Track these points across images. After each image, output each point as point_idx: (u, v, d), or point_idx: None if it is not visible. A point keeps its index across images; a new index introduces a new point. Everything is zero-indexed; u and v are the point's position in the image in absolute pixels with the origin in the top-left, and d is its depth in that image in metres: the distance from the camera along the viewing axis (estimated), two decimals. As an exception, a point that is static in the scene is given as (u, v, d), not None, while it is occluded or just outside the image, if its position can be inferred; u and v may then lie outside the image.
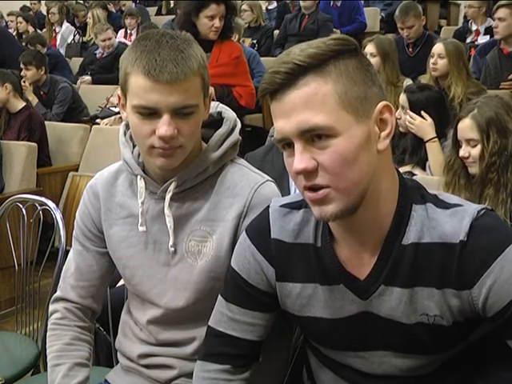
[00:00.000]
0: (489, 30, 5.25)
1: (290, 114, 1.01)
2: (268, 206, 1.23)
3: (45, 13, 8.37)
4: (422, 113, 2.91)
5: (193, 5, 3.43)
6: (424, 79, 3.77)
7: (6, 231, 2.19)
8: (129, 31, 7.15)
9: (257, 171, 1.42)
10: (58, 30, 7.73)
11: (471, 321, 1.10)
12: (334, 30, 6.07)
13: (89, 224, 1.46)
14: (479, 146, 2.15)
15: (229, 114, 1.44)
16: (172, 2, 8.28)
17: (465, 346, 1.15)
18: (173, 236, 1.36)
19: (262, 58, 5.41)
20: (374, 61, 3.85)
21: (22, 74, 4.90)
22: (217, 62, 3.51)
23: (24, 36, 7.34)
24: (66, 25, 7.73)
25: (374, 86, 1.05)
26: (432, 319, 1.09)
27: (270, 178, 1.40)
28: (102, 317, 1.63)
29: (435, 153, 2.88)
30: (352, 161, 1.01)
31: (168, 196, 1.35)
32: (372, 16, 6.76)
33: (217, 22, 3.43)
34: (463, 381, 1.18)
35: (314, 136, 1.01)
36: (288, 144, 1.05)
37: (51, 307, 1.51)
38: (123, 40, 7.00)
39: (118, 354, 1.54)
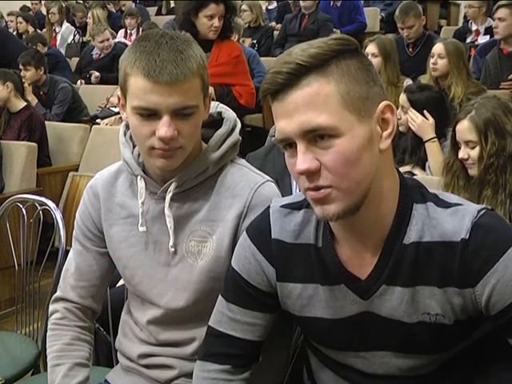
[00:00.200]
0: (489, 30, 5.25)
1: (293, 114, 1.01)
2: (268, 207, 1.23)
3: (45, 13, 8.38)
4: (425, 112, 2.91)
5: (192, 4, 3.43)
6: (424, 79, 3.77)
7: (6, 231, 2.19)
8: (129, 31, 7.15)
9: (257, 171, 1.42)
10: (58, 30, 7.73)
11: (473, 319, 1.10)
12: (334, 30, 6.07)
13: (89, 224, 1.46)
14: (478, 148, 2.16)
15: (229, 114, 1.44)
16: (172, 2, 8.27)
17: (465, 345, 1.15)
18: (173, 236, 1.36)
19: (261, 58, 5.41)
20: (376, 61, 3.85)
21: (21, 74, 4.89)
22: (216, 62, 3.51)
23: (24, 36, 7.34)
24: (65, 25, 7.73)
25: (375, 86, 1.05)
26: (434, 318, 1.09)
27: (270, 178, 1.40)
28: (102, 317, 1.63)
29: (434, 153, 2.88)
30: (355, 161, 1.01)
31: (168, 196, 1.35)
32: (372, 16, 6.77)
33: (216, 22, 3.43)
34: (463, 381, 1.18)
35: (316, 136, 1.01)
36: (290, 144, 1.04)
37: (51, 307, 1.51)
38: (123, 40, 7.00)
39: (118, 353, 1.54)
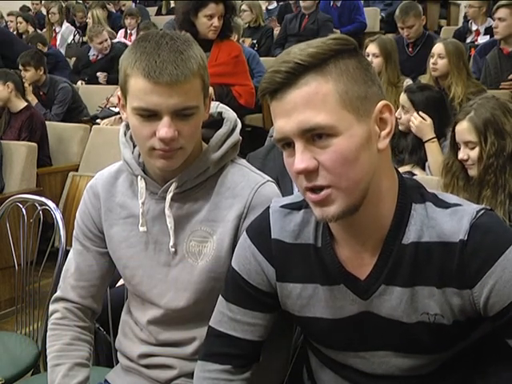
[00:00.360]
0: (489, 30, 5.25)
1: (291, 113, 1.01)
2: (268, 207, 1.23)
3: (45, 13, 8.38)
4: (420, 113, 2.92)
5: (191, 4, 3.43)
6: (424, 79, 3.78)
7: (6, 231, 2.19)
8: (129, 31, 7.15)
9: (257, 171, 1.42)
10: (57, 30, 7.73)
11: (472, 320, 1.10)
12: (334, 30, 6.07)
13: (89, 224, 1.46)
14: (477, 148, 2.16)
15: (229, 114, 1.44)
16: (172, 2, 8.27)
17: (465, 345, 1.15)
18: (173, 236, 1.36)
19: (261, 58, 5.41)
20: (377, 61, 3.85)
21: (21, 74, 4.89)
22: (216, 61, 3.50)
23: (24, 36, 7.34)
24: (65, 25, 7.73)
25: (373, 86, 1.05)
26: (433, 318, 1.09)
27: (270, 179, 1.40)
28: (102, 317, 1.63)
29: (434, 153, 2.89)
30: (353, 160, 1.01)
31: (169, 196, 1.35)
32: (372, 16, 6.77)
33: (216, 22, 3.42)
34: (463, 381, 1.18)
35: (314, 135, 1.01)
36: (288, 144, 1.04)
37: (51, 307, 1.51)
38: (123, 40, 7.00)
39: (118, 353, 1.54)
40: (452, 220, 1.07)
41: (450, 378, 1.18)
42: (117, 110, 4.69)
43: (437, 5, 7.18)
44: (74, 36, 7.54)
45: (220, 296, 1.27)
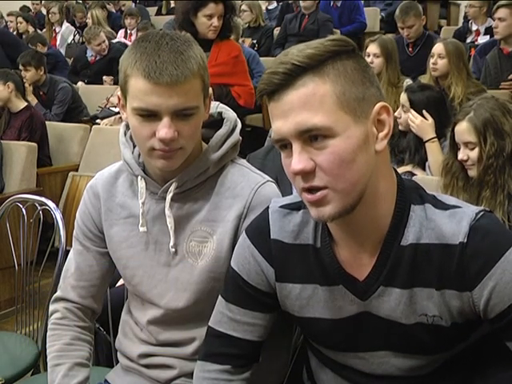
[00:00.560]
0: (489, 30, 5.25)
1: (288, 114, 1.01)
2: (268, 207, 1.23)
3: (45, 13, 8.38)
4: (424, 112, 2.91)
5: (191, 4, 3.43)
6: (424, 79, 3.77)
7: (6, 231, 2.19)
8: (129, 31, 7.15)
9: (257, 171, 1.42)
10: (57, 30, 7.73)
11: (470, 322, 1.10)
12: (334, 30, 6.08)
13: (89, 224, 1.46)
14: (477, 149, 2.16)
15: (229, 114, 1.44)
16: (172, 2, 8.27)
17: (464, 346, 1.15)
18: (173, 236, 1.36)
19: (261, 58, 5.41)
20: (378, 61, 3.85)
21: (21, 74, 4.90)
22: (215, 62, 3.50)
23: (24, 36, 7.34)
24: (65, 25, 7.73)
25: (371, 87, 1.05)
26: (431, 319, 1.09)
27: (270, 179, 1.40)
28: (102, 317, 1.63)
29: (435, 153, 2.89)
30: (350, 161, 1.01)
31: (169, 197, 1.35)
32: (372, 16, 6.77)
33: (215, 21, 3.42)
34: (463, 381, 1.18)
35: (311, 136, 1.01)
36: (285, 145, 1.05)
37: (51, 307, 1.51)
38: (123, 40, 7.00)
39: (118, 353, 1.54)
40: (451, 222, 1.07)
41: (449, 378, 1.18)
42: (117, 110, 4.70)
43: (437, 5, 7.18)
44: (74, 36, 7.55)
45: (219, 296, 1.27)
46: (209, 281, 1.36)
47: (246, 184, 1.36)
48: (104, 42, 5.99)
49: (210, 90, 1.36)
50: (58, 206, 2.41)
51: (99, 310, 1.52)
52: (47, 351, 1.47)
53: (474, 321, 1.09)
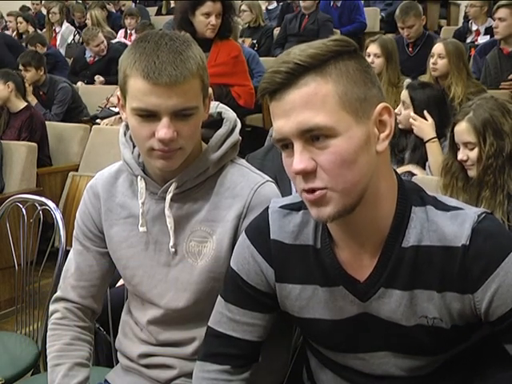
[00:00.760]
0: (489, 30, 5.25)
1: (290, 113, 1.01)
2: (267, 207, 1.23)
3: (45, 13, 8.37)
4: (425, 113, 2.92)
5: (189, 3, 3.43)
6: (424, 79, 3.76)
7: (6, 231, 2.19)
8: (129, 31, 7.15)
9: (257, 171, 1.42)
10: (58, 30, 7.73)
11: (470, 324, 1.10)
12: (334, 30, 6.07)
13: (89, 224, 1.46)
14: (477, 149, 2.16)
15: (229, 114, 1.44)
16: (172, 2, 8.27)
17: (464, 347, 1.15)
18: (173, 237, 1.36)
19: (261, 58, 5.41)
20: (379, 61, 3.85)
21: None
22: (215, 62, 3.50)
23: (24, 36, 7.34)
24: (65, 25, 7.73)
25: (373, 88, 1.05)
26: (431, 321, 1.09)
27: (269, 179, 1.40)
28: (102, 317, 1.63)
29: (435, 153, 2.89)
30: (351, 162, 1.01)
31: (168, 197, 1.35)
32: (372, 16, 6.77)
33: (213, 20, 3.42)
34: (462, 381, 1.18)
35: (313, 136, 1.01)
36: (286, 144, 1.04)
37: (51, 307, 1.51)
38: (123, 40, 7.00)
39: (118, 353, 1.54)
40: (453, 224, 1.07)
41: (449, 378, 1.18)
42: (117, 110, 4.69)
43: (437, 5, 7.18)
44: (74, 36, 7.54)
45: (219, 296, 1.27)
46: (208, 281, 1.36)
47: (245, 184, 1.36)
48: (102, 42, 5.99)
49: (210, 90, 1.36)
50: (58, 206, 2.41)
51: (99, 310, 1.52)
52: (47, 351, 1.47)
53: (475, 323, 1.09)
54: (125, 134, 1.44)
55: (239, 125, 1.44)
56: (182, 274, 1.38)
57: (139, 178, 1.38)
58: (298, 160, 1.01)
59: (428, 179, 2.59)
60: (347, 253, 1.13)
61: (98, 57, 6.08)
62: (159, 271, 1.40)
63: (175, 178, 1.35)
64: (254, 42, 6.30)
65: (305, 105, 1.00)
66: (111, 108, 5.01)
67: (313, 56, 1.00)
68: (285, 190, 2.25)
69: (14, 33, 7.82)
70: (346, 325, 1.15)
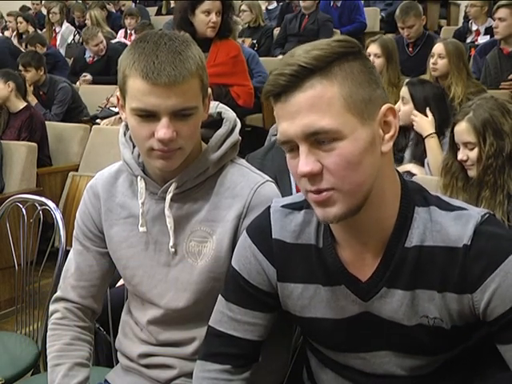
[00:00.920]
0: (489, 30, 5.25)
1: (295, 116, 1.01)
2: (269, 206, 1.23)
3: (45, 13, 8.38)
4: (427, 110, 2.93)
5: (188, 2, 3.42)
6: (424, 79, 3.78)
7: (6, 231, 2.19)
8: (129, 31, 7.15)
9: (257, 171, 1.42)
10: (58, 30, 7.73)
11: (470, 325, 1.10)
12: (334, 30, 6.07)
13: (89, 224, 1.46)
14: (476, 149, 2.16)
15: (229, 114, 1.44)
16: (172, 2, 8.27)
17: (465, 347, 1.15)
18: (173, 237, 1.36)
19: (261, 58, 5.40)
20: (379, 62, 3.85)
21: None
22: (214, 62, 3.48)
23: (24, 36, 7.34)
24: (66, 25, 7.73)
25: (378, 89, 1.04)
26: (432, 321, 1.09)
27: (269, 179, 1.40)
28: (102, 317, 1.63)
29: (433, 148, 2.90)
30: (357, 163, 1.01)
31: (168, 197, 1.35)
32: (372, 16, 6.77)
33: (213, 17, 3.40)
34: (463, 381, 1.18)
35: (318, 139, 1.00)
36: (291, 146, 1.04)
37: (51, 307, 1.51)
38: (123, 40, 7.00)
39: (118, 353, 1.54)
40: (457, 225, 1.07)
41: (449, 378, 1.18)
42: (117, 110, 4.69)
43: (437, 5, 7.18)
44: (74, 36, 7.54)
45: (220, 296, 1.27)
46: (208, 281, 1.36)
47: (245, 184, 1.36)
48: (102, 42, 5.99)
49: (209, 90, 1.36)
50: (58, 206, 2.41)
51: (99, 310, 1.52)
52: (47, 351, 1.47)
53: (475, 323, 1.09)
54: (125, 134, 1.44)
55: (239, 125, 1.44)
56: (181, 273, 1.38)
57: (139, 178, 1.38)
58: (304, 162, 1.01)
59: (428, 179, 2.59)
60: (349, 252, 1.13)
61: (97, 57, 6.08)
62: (159, 271, 1.40)
63: (175, 178, 1.35)
64: (254, 42, 6.30)
65: (310, 108, 1.00)
66: (111, 108, 5.01)
67: (317, 58, 1.00)
68: (285, 190, 2.26)
69: (14, 33, 7.82)
70: (348, 324, 1.15)
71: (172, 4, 8.25)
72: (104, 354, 1.99)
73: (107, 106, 5.11)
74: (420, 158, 2.98)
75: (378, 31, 6.33)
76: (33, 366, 2.01)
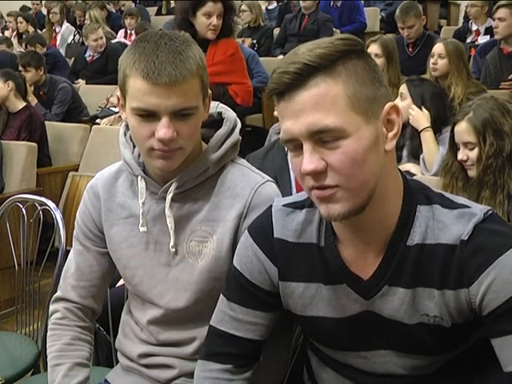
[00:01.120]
0: (489, 30, 5.25)
1: (299, 114, 1.00)
2: (271, 206, 1.23)
3: (45, 13, 8.38)
4: (422, 108, 2.94)
5: (189, 4, 3.41)
6: (424, 79, 3.78)
7: (6, 231, 2.19)
8: (129, 31, 7.15)
9: (257, 171, 1.42)
10: (58, 30, 7.73)
11: (470, 323, 1.10)
12: (334, 30, 6.08)
13: (89, 224, 1.46)
14: (476, 149, 2.16)
15: (229, 114, 1.44)
16: (172, 2, 8.28)
17: (465, 347, 1.15)
18: (173, 236, 1.36)
19: (261, 58, 5.40)
20: (379, 62, 3.85)
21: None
22: (212, 61, 3.47)
23: (24, 36, 7.34)
24: (66, 25, 7.73)
25: (381, 87, 1.05)
26: (432, 320, 1.09)
27: (270, 178, 1.40)
28: (102, 317, 1.63)
29: (429, 141, 2.93)
30: (361, 162, 1.01)
31: (169, 197, 1.35)
32: (372, 16, 6.77)
33: (214, 20, 3.39)
34: (463, 381, 1.18)
35: (323, 137, 1.00)
36: (295, 145, 1.04)
37: (51, 307, 1.51)
38: (123, 40, 7.00)
39: (118, 353, 1.54)
40: (459, 223, 1.07)
41: (450, 378, 1.18)
42: (117, 109, 4.69)
43: (437, 5, 7.18)
44: (74, 36, 7.55)
45: (221, 295, 1.27)
46: (209, 281, 1.36)
47: (246, 184, 1.36)
48: (101, 38, 5.98)
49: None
50: (58, 206, 2.41)
51: (99, 310, 1.52)
52: (47, 351, 1.47)
53: (474, 321, 1.09)
54: (125, 134, 1.44)
55: (239, 125, 1.44)
56: (182, 273, 1.38)
57: (139, 178, 1.38)
58: (308, 161, 1.01)
59: (428, 179, 2.59)
60: (351, 251, 1.13)
61: (96, 55, 6.07)
62: (159, 271, 1.40)
63: (175, 178, 1.35)
64: (254, 41, 6.30)
65: (314, 106, 0.99)
66: (111, 108, 5.01)
67: (322, 56, 1.00)
68: (285, 190, 2.26)
69: (14, 33, 7.82)
70: (349, 323, 1.15)
71: (172, 4, 8.25)
72: (104, 354, 1.99)
73: (107, 106, 5.11)
74: (416, 154, 3.00)
75: (378, 31, 6.33)
76: (33, 365, 2.00)
